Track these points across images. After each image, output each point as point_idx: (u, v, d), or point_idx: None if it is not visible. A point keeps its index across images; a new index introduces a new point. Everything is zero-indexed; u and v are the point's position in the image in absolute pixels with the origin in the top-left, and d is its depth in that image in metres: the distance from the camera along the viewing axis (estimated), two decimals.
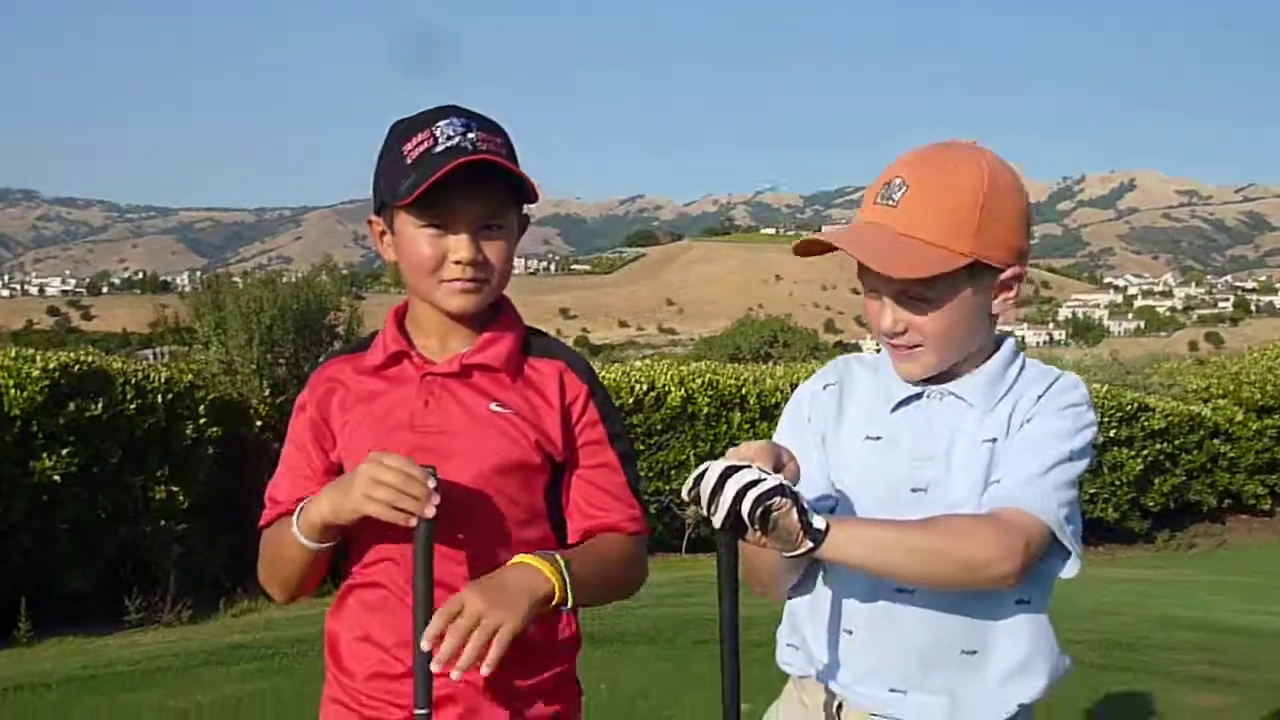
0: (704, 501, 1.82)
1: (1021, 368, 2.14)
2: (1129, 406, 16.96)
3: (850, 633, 2.13)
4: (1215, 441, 18.45)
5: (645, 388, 14.44)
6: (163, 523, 11.03)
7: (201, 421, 11.62)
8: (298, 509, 2.07)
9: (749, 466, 1.82)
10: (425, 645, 1.85)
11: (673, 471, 14.50)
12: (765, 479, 1.80)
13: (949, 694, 2.08)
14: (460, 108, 2.11)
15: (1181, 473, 17.94)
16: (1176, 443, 17.73)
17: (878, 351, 2.25)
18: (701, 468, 1.85)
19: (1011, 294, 2.10)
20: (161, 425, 11.16)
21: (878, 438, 2.14)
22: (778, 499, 1.79)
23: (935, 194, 2.01)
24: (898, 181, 2.04)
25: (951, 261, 1.99)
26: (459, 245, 2.08)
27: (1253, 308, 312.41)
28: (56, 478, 9.93)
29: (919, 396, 2.14)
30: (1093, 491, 16.41)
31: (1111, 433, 16.54)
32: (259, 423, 12.73)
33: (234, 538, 11.60)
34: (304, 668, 6.99)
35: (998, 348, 2.15)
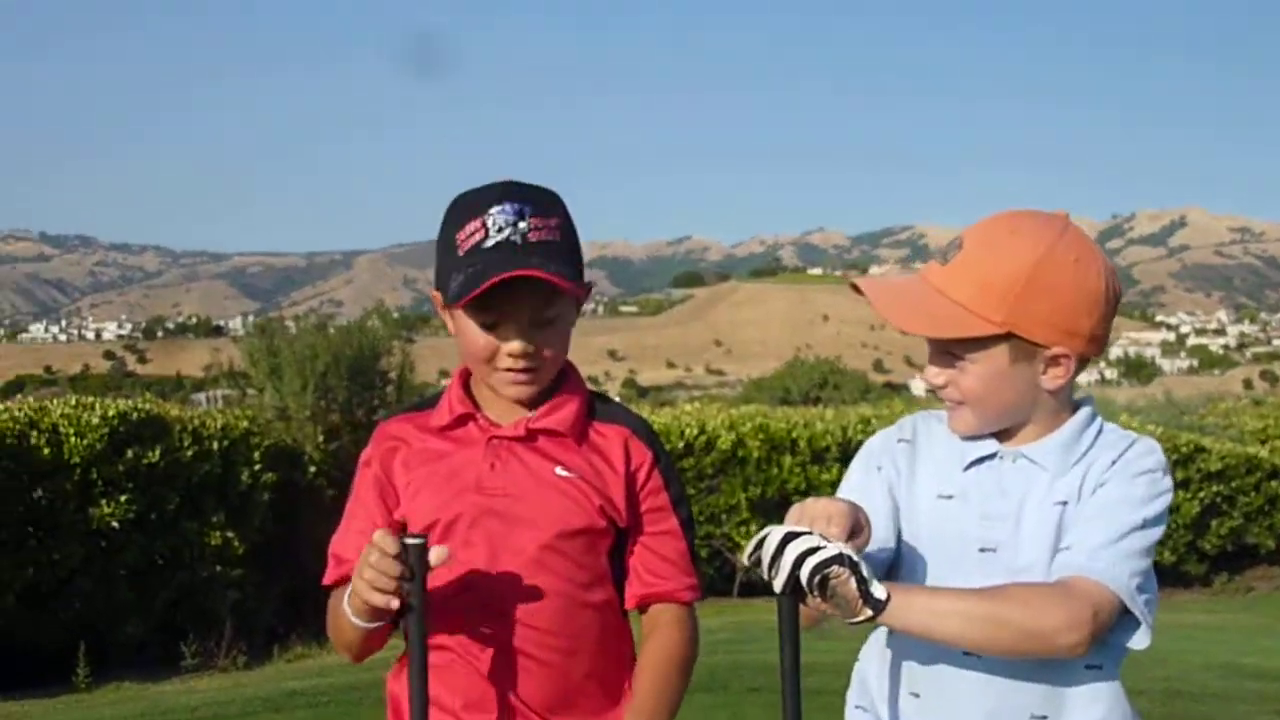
0: (765, 566, 1.85)
1: (1099, 432, 2.12)
2: (1185, 448, 16.75)
3: (917, 696, 2.13)
4: (1274, 483, 18.17)
5: (695, 431, 14.44)
6: (218, 568, 11.15)
7: (257, 468, 11.75)
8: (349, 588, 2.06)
9: (810, 533, 1.84)
10: None
11: (723, 515, 14.47)
12: (825, 546, 1.82)
13: None
14: (516, 186, 2.12)
15: (1239, 515, 17.67)
16: (1234, 484, 17.48)
17: (934, 395, 2.26)
18: (764, 532, 1.87)
19: (1061, 371, 2.07)
20: (218, 472, 11.31)
21: (949, 496, 2.14)
22: (835, 568, 1.81)
23: (981, 258, 2.02)
24: (958, 241, 2.06)
25: (977, 327, 2.00)
26: (511, 342, 2.10)
27: None
28: (115, 524, 10.08)
29: (992, 457, 2.13)
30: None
31: (1166, 526, 16.28)
32: (312, 469, 12.83)
33: (288, 583, 11.69)
34: (359, 715, 7.02)
35: (1076, 410, 2.14)
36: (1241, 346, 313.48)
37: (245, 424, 12.10)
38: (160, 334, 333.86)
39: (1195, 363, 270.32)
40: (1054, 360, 2.05)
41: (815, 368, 40.66)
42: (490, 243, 2.04)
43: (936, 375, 2.09)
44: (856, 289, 2.16)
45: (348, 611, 2.04)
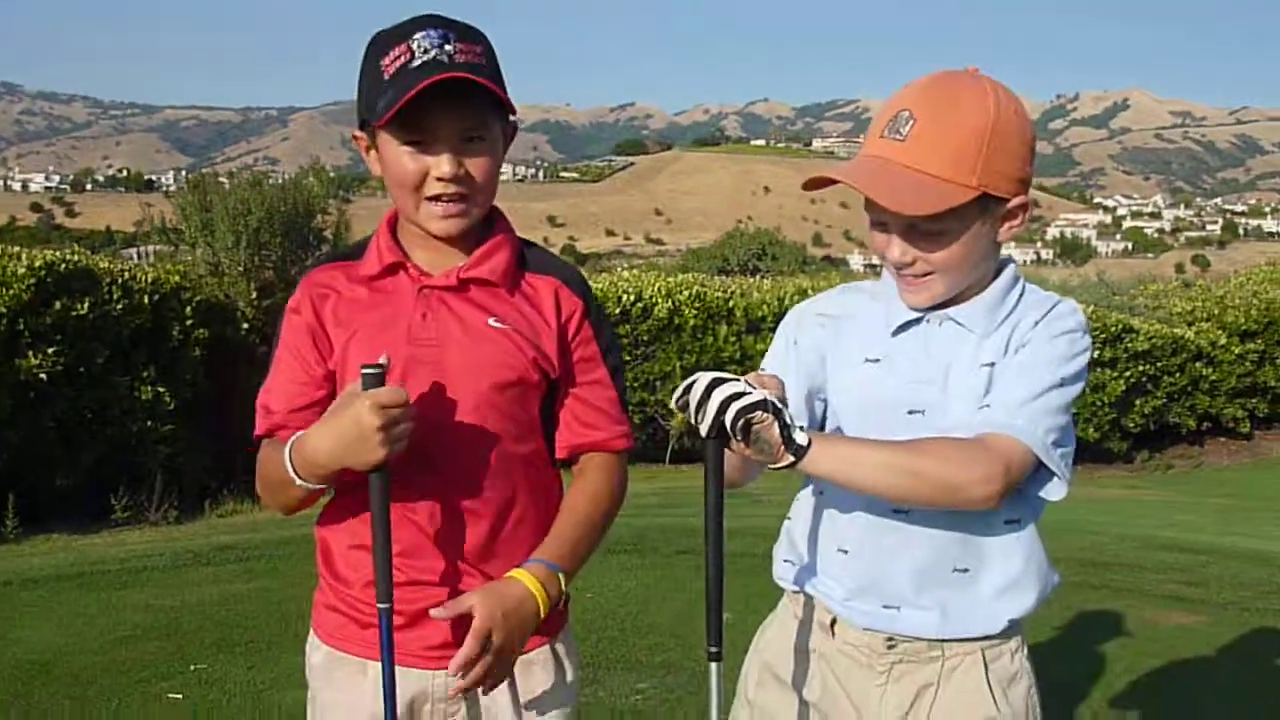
0: (691, 410, 1.89)
1: (1021, 294, 2.16)
2: (1114, 328, 17.01)
3: (845, 551, 2.19)
4: (1197, 364, 18.52)
5: (632, 298, 14.45)
6: (149, 423, 11.09)
7: (189, 323, 11.65)
8: (289, 444, 2.03)
9: (736, 379, 1.88)
10: (452, 671, 1.99)
11: (658, 383, 14.57)
12: (750, 392, 1.86)
13: (940, 610, 2.14)
14: (439, 16, 2.06)
15: (1162, 395, 18.04)
16: (1159, 365, 17.80)
17: (872, 269, 2.26)
18: (692, 378, 1.91)
19: (1016, 222, 2.11)
20: (149, 326, 11.19)
21: (876, 360, 2.17)
22: (759, 413, 1.86)
23: (943, 127, 2.01)
24: (904, 115, 2.03)
25: (960, 195, 2.00)
26: (439, 161, 2.05)
27: (1241, 231, 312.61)
28: (43, 376, 9.96)
29: (918, 321, 2.16)
30: (1074, 412, 16.47)
31: (1095, 354, 16.47)
32: (245, 325, 12.74)
33: (220, 440, 11.66)
34: (289, 569, 7.07)
35: (998, 273, 2.16)
36: (1176, 231, 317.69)
37: (177, 278, 11.92)
38: (89, 187, 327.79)
39: (1130, 245, 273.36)
40: (1010, 213, 2.09)
41: (754, 238, 40.71)
42: (416, 63, 1.99)
43: (904, 253, 2.07)
44: (820, 183, 2.15)
45: (296, 478, 2.01)
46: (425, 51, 1.99)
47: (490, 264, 2.16)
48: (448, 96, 1.98)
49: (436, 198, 2.07)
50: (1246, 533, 10.52)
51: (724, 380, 1.88)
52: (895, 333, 2.17)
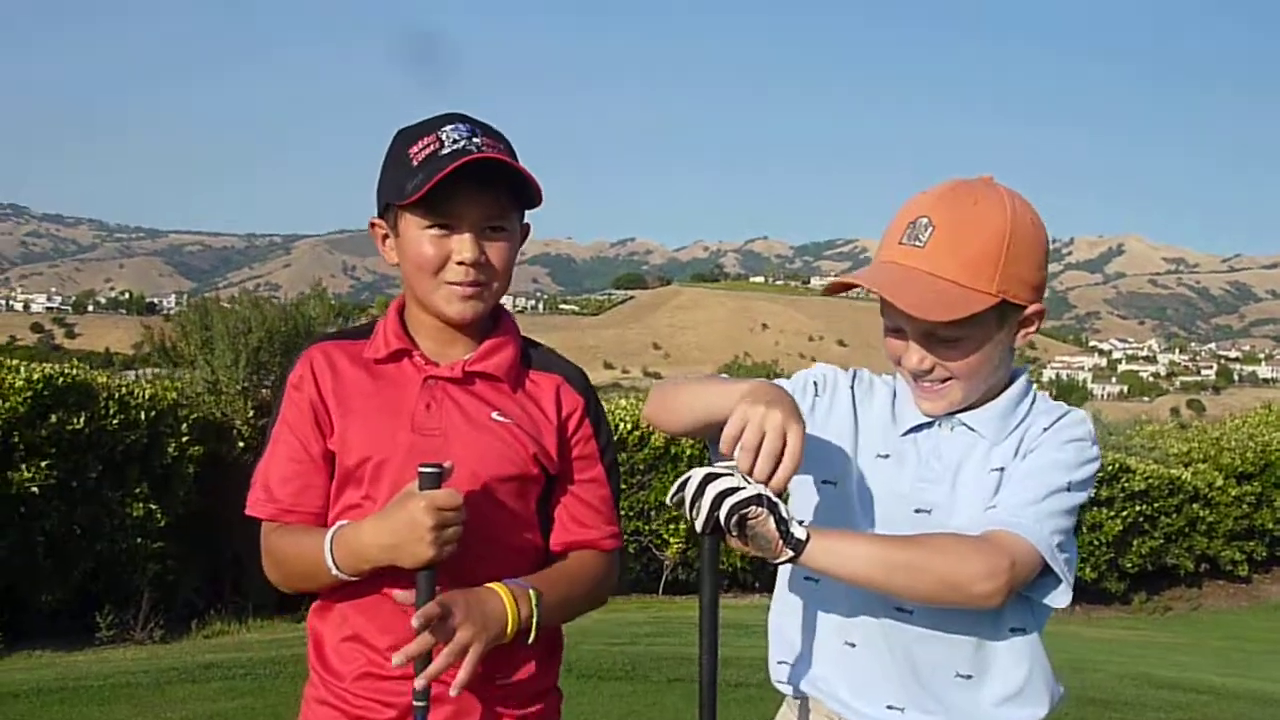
0: (686, 507, 1.87)
1: (1033, 401, 2.17)
2: (1110, 467, 16.97)
3: (852, 645, 2.15)
4: (1194, 506, 18.45)
5: (629, 426, 14.42)
6: (139, 540, 10.97)
7: (184, 440, 11.58)
8: (329, 536, 2.04)
9: (730, 474, 1.86)
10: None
11: (653, 512, 14.48)
12: (744, 487, 1.85)
13: (944, 714, 2.10)
14: (465, 115, 2.13)
15: (1160, 535, 17.94)
16: (1156, 505, 17.74)
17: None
18: (686, 474, 1.90)
19: (1032, 329, 2.12)
20: (144, 442, 11.12)
21: (886, 456, 2.16)
22: (754, 508, 1.84)
23: (963, 235, 2.02)
24: (924, 222, 2.04)
25: (981, 302, 2.00)
26: (462, 245, 2.09)
27: (1235, 377, 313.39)
28: (35, 490, 9.90)
29: (930, 425, 2.16)
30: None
31: (1093, 492, 16.50)
32: (241, 443, 12.69)
33: (210, 558, 11.55)
34: (275, 688, 6.95)
35: (1011, 380, 2.17)
36: (1171, 375, 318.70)
37: (174, 395, 11.93)
38: (91, 309, 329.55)
39: (1125, 389, 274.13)
40: (1026, 319, 2.10)
41: (752, 371, 40.87)
42: (446, 151, 2.05)
43: (922, 360, 2.07)
44: (840, 288, 2.16)
45: (335, 570, 2.03)
46: (455, 142, 2.05)
47: (496, 359, 2.18)
48: (475, 183, 2.03)
49: (456, 281, 2.10)
50: (1247, 674, 10.38)
51: (718, 475, 1.87)
52: (905, 433, 2.17)
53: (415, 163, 2.06)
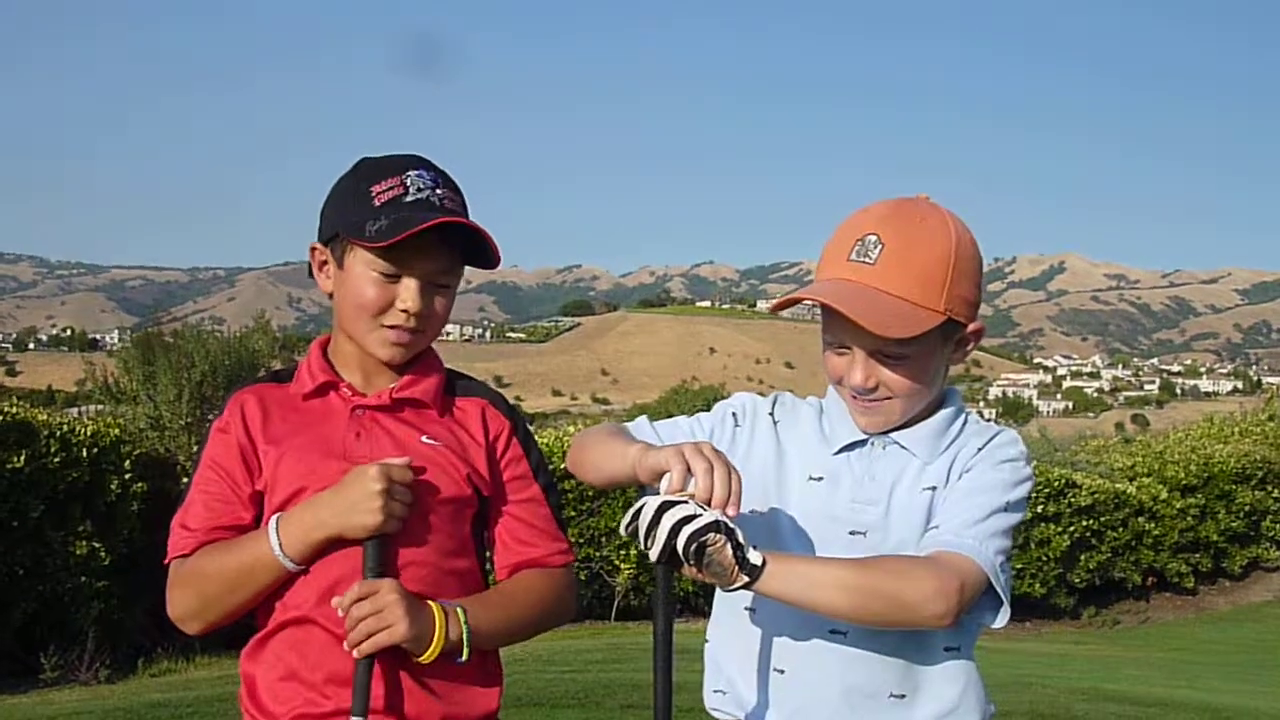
0: (641, 536, 1.85)
1: (965, 422, 2.18)
2: (1056, 483, 17.10)
3: (782, 672, 2.14)
4: (1140, 519, 18.61)
5: None
6: (83, 579, 10.80)
7: (127, 477, 11.41)
8: (272, 524, 2.04)
9: (685, 502, 1.85)
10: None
11: (603, 539, 14.44)
12: (701, 515, 1.83)
13: None
14: (427, 160, 2.15)
15: (1107, 549, 18.08)
16: (1102, 519, 17.87)
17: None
18: (640, 502, 1.88)
19: (971, 348, 2.15)
20: (86, 480, 10.96)
21: (819, 478, 2.16)
22: (712, 535, 1.82)
23: (912, 253, 2.02)
24: (873, 239, 2.04)
25: (931, 320, 2.01)
26: (409, 295, 2.11)
27: (1178, 390, 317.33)
28: None
29: (863, 443, 2.16)
30: (1019, 567, 16.49)
31: (1039, 509, 16.67)
32: (185, 479, 12.50)
33: (156, 596, 11.37)
34: None
35: (943, 400, 2.19)
36: (1115, 390, 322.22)
37: (116, 431, 11.76)
38: (32, 346, 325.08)
39: (1070, 405, 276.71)
40: (963, 339, 2.13)
41: (699, 394, 41.01)
42: (411, 198, 2.08)
43: (868, 378, 2.07)
44: (787, 304, 2.15)
45: (282, 557, 2.03)
46: (419, 190, 2.09)
47: (422, 386, 2.20)
48: (435, 238, 2.06)
49: (394, 325, 2.12)
50: (1193, 685, 10.48)
51: (673, 504, 1.85)
52: (837, 452, 2.17)
53: (378, 203, 2.07)
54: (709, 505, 1.85)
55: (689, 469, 1.87)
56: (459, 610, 2.06)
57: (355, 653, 1.97)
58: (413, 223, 2.03)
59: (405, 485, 2.01)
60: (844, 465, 2.16)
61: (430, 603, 2.03)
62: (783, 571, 1.90)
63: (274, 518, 2.06)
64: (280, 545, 2.03)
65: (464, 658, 2.06)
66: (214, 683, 8.80)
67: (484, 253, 2.15)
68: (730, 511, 1.86)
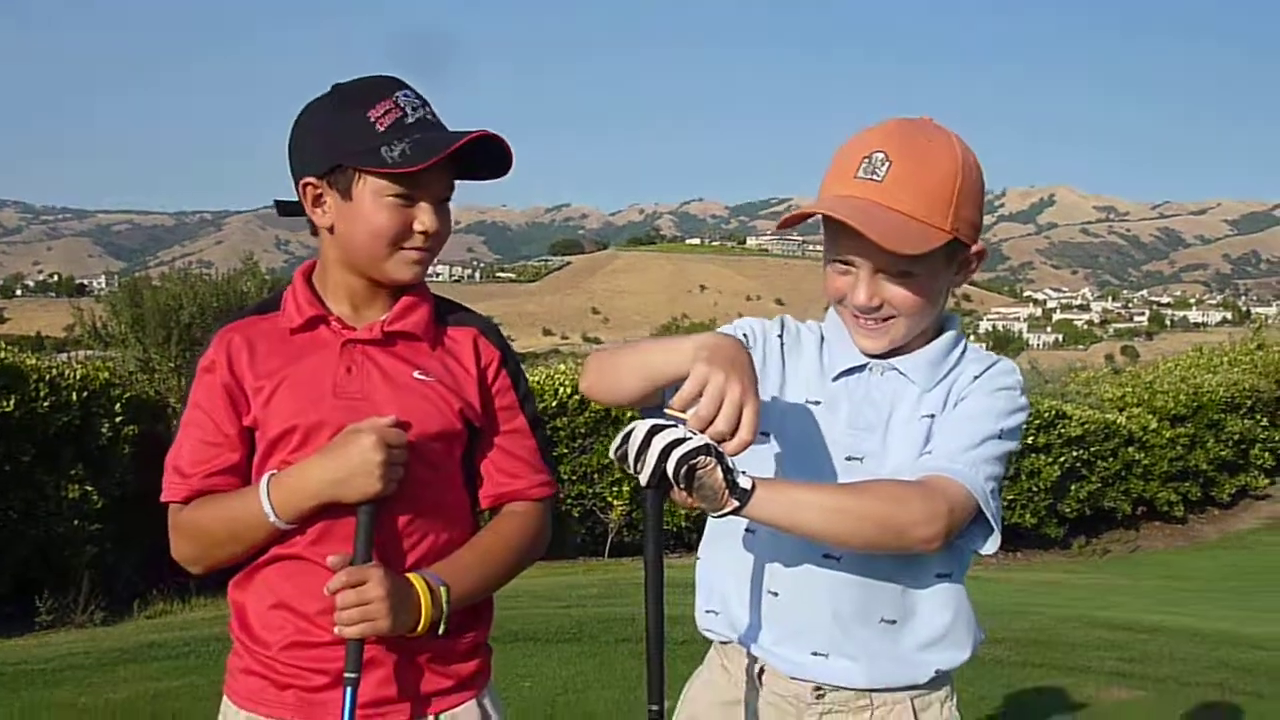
0: (630, 460, 1.83)
1: (963, 350, 2.18)
2: (1047, 414, 17.16)
3: (775, 594, 2.15)
4: (1130, 449, 18.72)
5: (569, 391, 14.38)
6: (76, 523, 10.79)
7: (118, 420, 11.40)
8: (264, 483, 2.03)
9: (675, 425, 1.83)
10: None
11: (595, 475, 14.48)
12: (691, 438, 1.81)
13: (868, 659, 2.11)
14: (400, 78, 2.11)
15: (1097, 480, 18.19)
16: (1092, 450, 17.97)
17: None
18: (630, 426, 1.86)
19: (973, 269, 2.14)
20: (76, 423, 10.94)
21: (818, 402, 2.15)
22: (702, 458, 1.81)
23: (920, 171, 2.01)
24: (879, 157, 2.02)
25: (939, 238, 2.00)
26: (426, 216, 2.09)
27: (1167, 322, 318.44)
28: None
29: (862, 369, 2.15)
30: (1011, 498, 16.60)
31: (1030, 439, 16.73)
32: (176, 421, 12.49)
33: (149, 538, 11.40)
34: (220, 665, 6.85)
35: (943, 327, 2.18)
36: (1104, 322, 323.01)
37: (106, 375, 11.71)
38: (19, 293, 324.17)
39: (1060, 337, 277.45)
40: (966, 260, 2.11)
41: (690, 331, 40.86)
42: (411, 119, 2.04)
43: (872, 296, 2.05)
44: (795, 220, 2.14)
45: (273, 517, 2.02)
46: (414, 110, 2.06)
47: (413, 317, 2.17)
48: (449, 158, 2.03)
49: (413, 248, 2.10)
50: (1182, 612, 10.58)
51: (663, 427, 1.83)
52: (837, 378, 2.16)
53: (381, 128, 2.02)
54: (703, 433, 1.83)
55: (701, 391, 1.83)
56: (442, 589, 2.04)
57: (343, 635, 1.98)
58: (437, 144, 2.01)
59: (401, 447, 2.00)
60: (842, 391, 2.15)
61: (417, 585, 2.02)
62: (772, 496, 1.89)
63: (265, 477, 2.04)
64: (273, 508, 2.02)
65: (441, 633, 2.06)
66: (210, 623, 8.83)
67: (479, 168, 2.14)
68: (728, 448, 1.83)
